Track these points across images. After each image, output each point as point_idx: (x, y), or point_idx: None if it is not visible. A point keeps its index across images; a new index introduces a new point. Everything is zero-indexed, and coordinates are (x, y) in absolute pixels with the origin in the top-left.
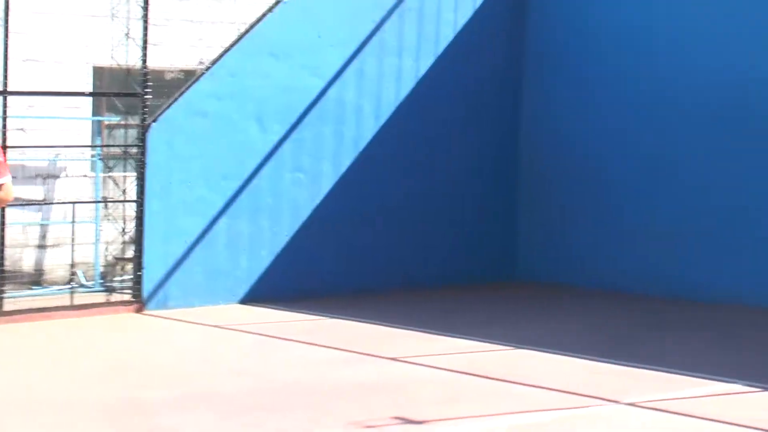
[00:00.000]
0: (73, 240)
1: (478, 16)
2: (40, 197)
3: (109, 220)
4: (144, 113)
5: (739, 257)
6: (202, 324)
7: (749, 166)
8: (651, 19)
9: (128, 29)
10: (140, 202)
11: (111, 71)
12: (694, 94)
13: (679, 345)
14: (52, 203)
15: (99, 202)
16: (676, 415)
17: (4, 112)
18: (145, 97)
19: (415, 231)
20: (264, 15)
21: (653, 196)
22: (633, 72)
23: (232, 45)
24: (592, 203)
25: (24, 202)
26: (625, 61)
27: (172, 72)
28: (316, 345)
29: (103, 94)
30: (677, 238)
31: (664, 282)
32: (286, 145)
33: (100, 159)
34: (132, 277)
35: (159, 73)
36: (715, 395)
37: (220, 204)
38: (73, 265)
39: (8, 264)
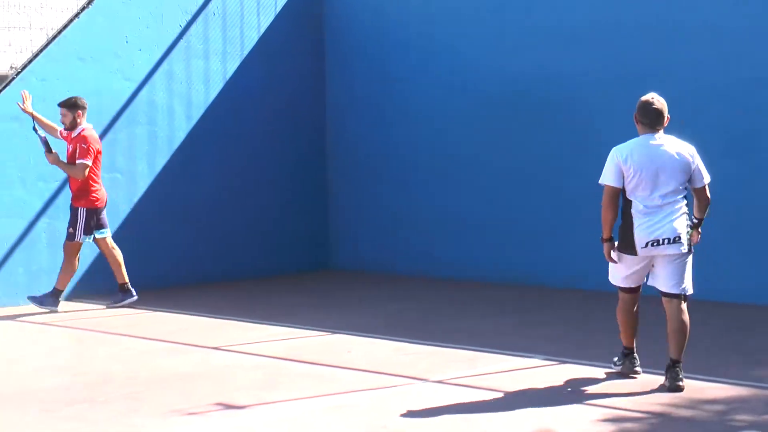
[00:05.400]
0: None
1: (279, 18)
2: None
3: None
4: None
5: (543, 243)
6: (26, 322)
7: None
8: (434, 17)
9: None
10: None
11: None
12: (484, 90)
13: (482, 324)
14: None
15: None
16: (480, 390)
17: None
18: None
19: (232, 225)
20: (70, 21)
21: (450, 187)
22: (431, 65)
23: (40, 50)
24: (395, 194)
25: None
26: (423, 55)
27: None
28: (138, 337)
29: None
30: (473, 226)
31: (466, 266)
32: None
33: None
34: None
35: None
36: (515, 369)
37: (38, 205)
38: None
39: None
